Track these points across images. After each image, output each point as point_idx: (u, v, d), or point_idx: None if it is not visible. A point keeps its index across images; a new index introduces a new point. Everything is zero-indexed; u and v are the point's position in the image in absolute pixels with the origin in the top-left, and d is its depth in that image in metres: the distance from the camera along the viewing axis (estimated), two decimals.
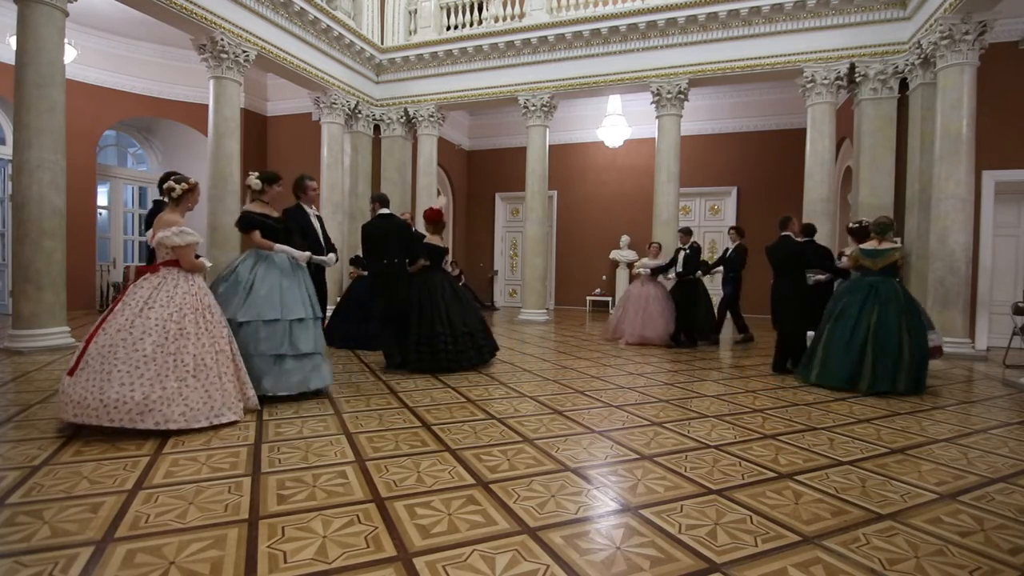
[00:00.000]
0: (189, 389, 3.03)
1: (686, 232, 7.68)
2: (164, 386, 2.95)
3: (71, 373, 2.98)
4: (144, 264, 3.51)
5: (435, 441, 2.98)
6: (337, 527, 1.94)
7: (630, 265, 12.32)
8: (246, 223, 3.91)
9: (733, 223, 12.31)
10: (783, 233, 5.76)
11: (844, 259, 5.78)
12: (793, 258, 5.60)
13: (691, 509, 2.16)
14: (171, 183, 3.35)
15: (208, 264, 3.47)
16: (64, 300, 5.89)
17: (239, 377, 3.40)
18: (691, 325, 7.32)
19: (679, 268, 7.38)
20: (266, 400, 3.68)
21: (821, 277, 6.09)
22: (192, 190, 3.39)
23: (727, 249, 8.12)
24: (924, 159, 7.39)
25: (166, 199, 3.41)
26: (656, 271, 7.62)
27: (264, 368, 3.69)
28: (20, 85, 5.57)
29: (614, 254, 12.77)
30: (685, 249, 7.44)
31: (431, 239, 5.39)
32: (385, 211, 5.25)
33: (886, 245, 4.99)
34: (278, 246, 3.94)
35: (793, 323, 5.49)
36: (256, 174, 4.05)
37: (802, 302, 5.57)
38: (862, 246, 5.13)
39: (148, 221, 4.30)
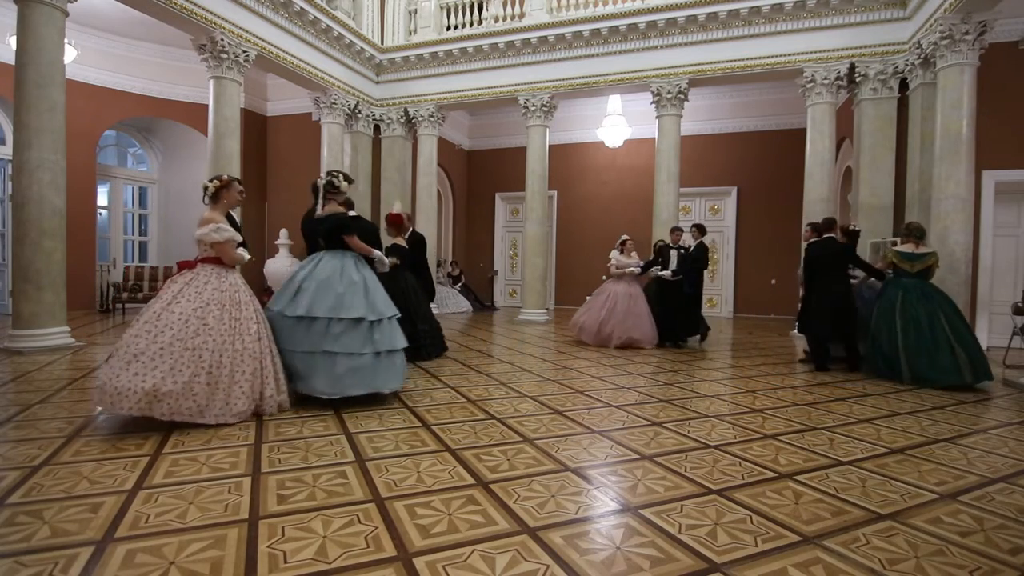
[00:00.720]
0: (200, 385, 3.04)
1: (681, 231, 7.61)
2: (175, 379, 2.97)
3: (108, 361, 3.05)
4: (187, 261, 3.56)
5: (435, 441, 2.98)
6: (337, 527, 1.94)
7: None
8: (351, 228, 3.89)
9: (733, 223, 12.36)
10: (827, 235, 5.79)
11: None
12: (840, 259, 5.67)
13: (691, 509, 2.16)
14: (204, 182, 3.47)
15: (247, 256, 3.52)
16: (64, 300, 5.89)
17: (269, 375, 3.38)
18: (679, 326, 7.32)
19: (673, 266, 7.33)
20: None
21: (855, 278, 6.05)
22: (226, 186, 3.45)
23: (686, 247, 7.48)
24: (924, 159, 7.39)
25: (205, 199, 3.48)
26: (645, 268, 7.43)
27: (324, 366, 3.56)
28: (20, 85, 5.57)
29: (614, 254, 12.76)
30: (679, 248, 7.37)
31: (395, 241, 5.84)
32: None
33: (923, 249, 5.41)
34: (375, 251, 4.09)
35: (847, 321, 5.59)
36: (340, 174, 3.96)
37: (850, 302, 5.67)
38: (899, 249, 5.45)
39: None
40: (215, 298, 3.24)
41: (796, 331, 7.23)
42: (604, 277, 7.39)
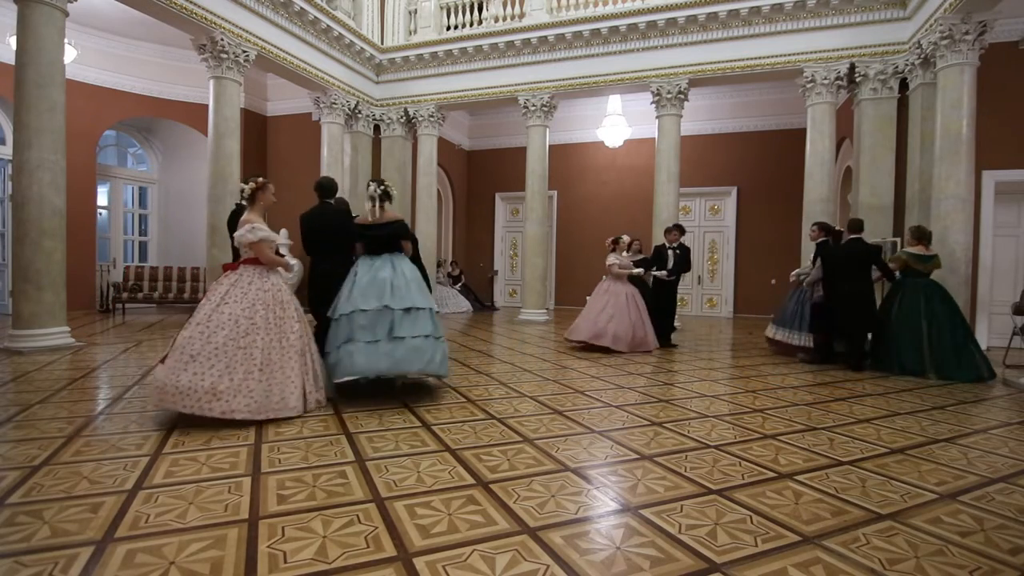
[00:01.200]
0: (254, 382, 3.19)
1: (680, 230, 7.56)
2: (231, 377, 3.14)
3: (163, 362, 3.21)
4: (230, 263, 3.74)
5: (435, 441, 2.98)
6: (337, 527, 1.94)
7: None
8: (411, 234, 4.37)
9: (733, 223, 12.36)
10: (853, 236, 5.95)
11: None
12: (866, 259, 5.85)
13: (691, 509, 2.16)
14: (241, 184, 3.61)
15: (294, 262, 3.67)
16: (64, 300, 5.89)
17: (309, 373, 3.54)
18: (670, 327, 7.31)
19: (669, 266, 7.31)
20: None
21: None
22: (261, 188, 3.58)
23: (677, 248, 7.36)
24: (924, 159, 7.39)
25: (243, 201, 3.61)
26: (647, 270, 7.32)
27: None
28: (20, 85, 5.57)
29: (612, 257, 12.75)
30: (675, 248, 7.33)
31: None
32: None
33: (931, 251, 5.87)
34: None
35: (870, 320, 5.81)
36: (387, 183, 4.30)
37: (872, 301, 5.88)
38: (913, 251, 5.83)
39: (230, 224, 4.35)
40: (260, 298, 3.38)
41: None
42: (605, 277, 7.08)
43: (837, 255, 5.97)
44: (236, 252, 3.78)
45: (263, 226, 3.47)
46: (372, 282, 3.94)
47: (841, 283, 5.86)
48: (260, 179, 3.57)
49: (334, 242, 4.33)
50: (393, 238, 4.21)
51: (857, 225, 6.04)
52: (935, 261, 5.83)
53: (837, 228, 6.86)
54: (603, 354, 6.40)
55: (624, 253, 7.22)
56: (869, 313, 5.84)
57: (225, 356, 3.16)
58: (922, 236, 5.88)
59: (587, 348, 6.71)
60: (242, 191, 3.60)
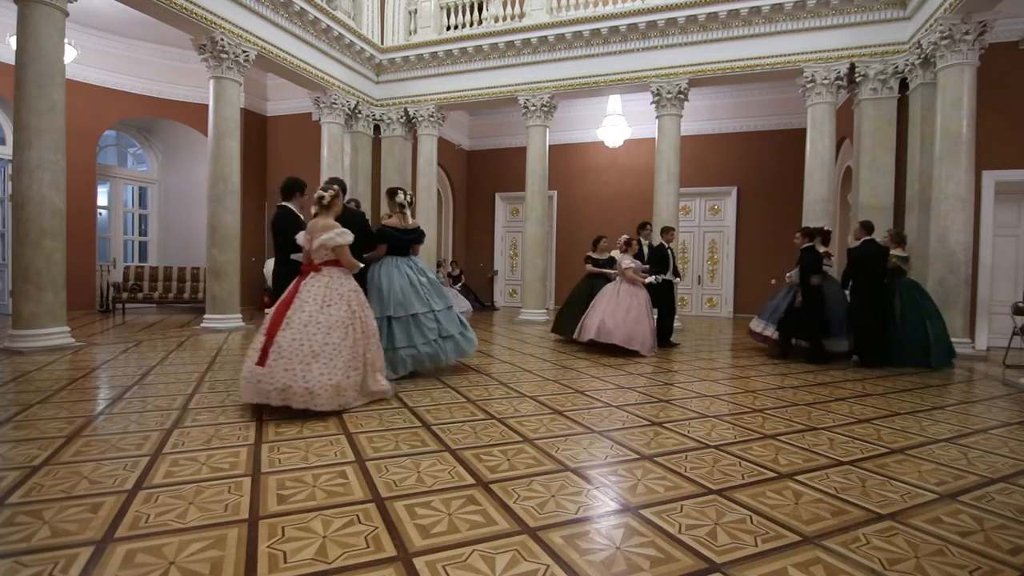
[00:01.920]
0: (357, 375, 3.58)
1: (673, 230, 7.55)
2: (348, 375, 3.48)
3: (262, 363, 3.34)
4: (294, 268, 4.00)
5: (435, 441, 2.98)
6: (337, 527, 1.94)
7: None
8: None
9: (733, 223, 12.35)
10: (868, 237, 6.16)
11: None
12: (883, 259, 6.19)
13: (691, 509, 2.16)
14: (320, 192, 3.75)
15: (360, 264, 3.89)
16: (64, 300, 5.89)
17: (375, 365, 3.84)
18: (671, 327, 7.33)
19: (672, 266, 7.30)
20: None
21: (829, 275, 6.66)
22: (337, 196, 3.84)
23: (667, 247, 7.38)
24: (924, 159, 7.39)
25: (314, 207, 3.79)
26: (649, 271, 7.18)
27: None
28: (20, 85, 5.57)
29: (614, 254, 12.73)
30: (671, 248, 7.39)
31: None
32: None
33: (906, 252, 6.55)
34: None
35: (885, 320, 6.13)
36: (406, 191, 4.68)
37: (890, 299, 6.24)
38: (899, 254, 6.38)
39: (276, 226, 4.42)
40: (353, 299, 3.67)
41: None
42: (618, 279, 6.77)
43: (868, 254, 6.13)
44: (286, 251, 4.16)
45: (347, 230, 3.70)
46: (414, 285, 4.67)
47: (863, 282, 6.12)
48: (336, 187, 3.82)
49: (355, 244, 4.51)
50: (416, 243, 4.78)
51: (872, 227, 6.28)
52: (910, 263, 6.64)
53: (826, 228, 7.04)
54: (602, 354, 6.40)
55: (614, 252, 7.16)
56: (888, 311, 6.17)
57: (341, 356, 3.45)
58: (902, 240, 6.54)
59: (587, 347, 6.71)
60: (321, 198, 3.72)
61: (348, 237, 3.65)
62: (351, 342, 3.53)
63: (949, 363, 6.06)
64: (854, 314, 6.18)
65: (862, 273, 6.12)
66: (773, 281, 7.10)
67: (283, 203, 4.55)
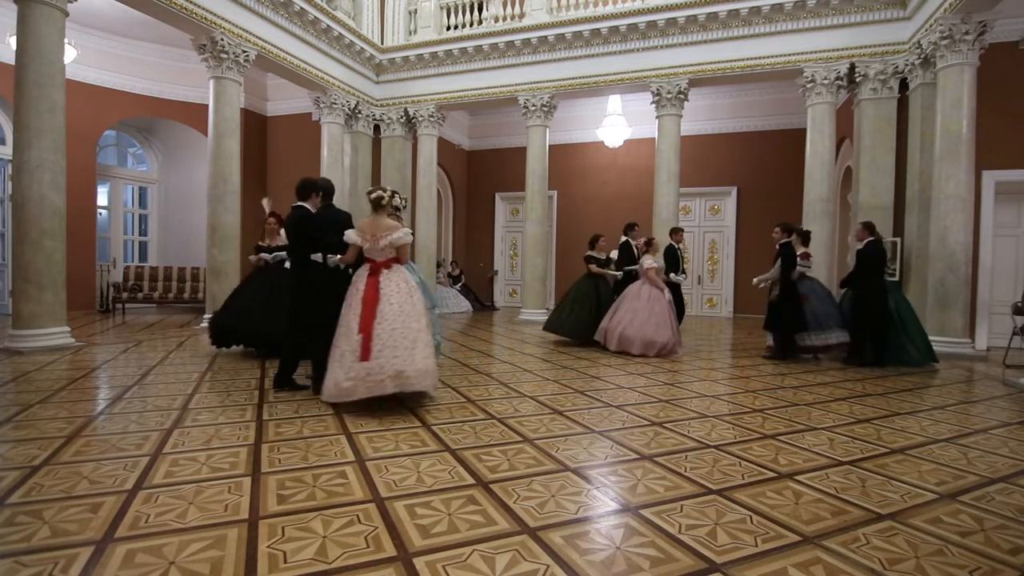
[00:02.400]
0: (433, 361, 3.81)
1: (682, 231, 7.49)
2: (432, 357, 3.71)
3: (367, 358, 3.53)
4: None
5: (435, 441, 2.98)
6: (337, 527, 1.94)
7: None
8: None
9: (733, 223, 12.35)
10: (872, 237, 6.17)
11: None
12: (885, 261, 6.35)
13: (691, 509, 2.16)
14: (379, 193, 3.97)
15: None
16: (64, 300, 5.89)
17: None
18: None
19: (683, 266, 7.29)
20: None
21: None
22: (392, 198, 4.07)
23: (676, 248, 7.30)
24: (924, 159, 7.39)
25: (382, 209, 3.99)
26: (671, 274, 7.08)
27: None
28: (20, 85, 5.57)
29: (614, 254, 12.72)
30: (680, 248, 7.35)
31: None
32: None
33: None
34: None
35: (887, 320, 6.17)
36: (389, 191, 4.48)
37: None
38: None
39: (300, 227, 4.33)
40: (416, 291, 3.92)
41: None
42: (641, 281, 6.58)
43: (877, 254, 6.16)
44: (308, 251, 4.11)
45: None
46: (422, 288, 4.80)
47: (868, 282, 6.13)
48: (388, 189, 4.04)
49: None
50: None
51: (874, 227, 6.33)
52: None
53: (805, 229, 7.06)
54: (602, 354, 6.40)
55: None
56: (888, 311, 6.22)
57: (427, 339, 3.71)
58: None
59: (583, 346, 6.71)
60: (380, 198, 3.94)
61: (411, 237, 3.97)
62: (427, 329, 3.80)
63: (935, 359, 6.16)
64: (863, 314, 6.08)
65: (870, 273, 6.09)
66: (755, 280, 6.85)
67: (301, 203, 4.49)
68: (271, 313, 5.13)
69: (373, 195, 3.98)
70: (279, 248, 5.78)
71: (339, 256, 4.09)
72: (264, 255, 5.89)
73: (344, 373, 3.54)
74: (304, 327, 4.14)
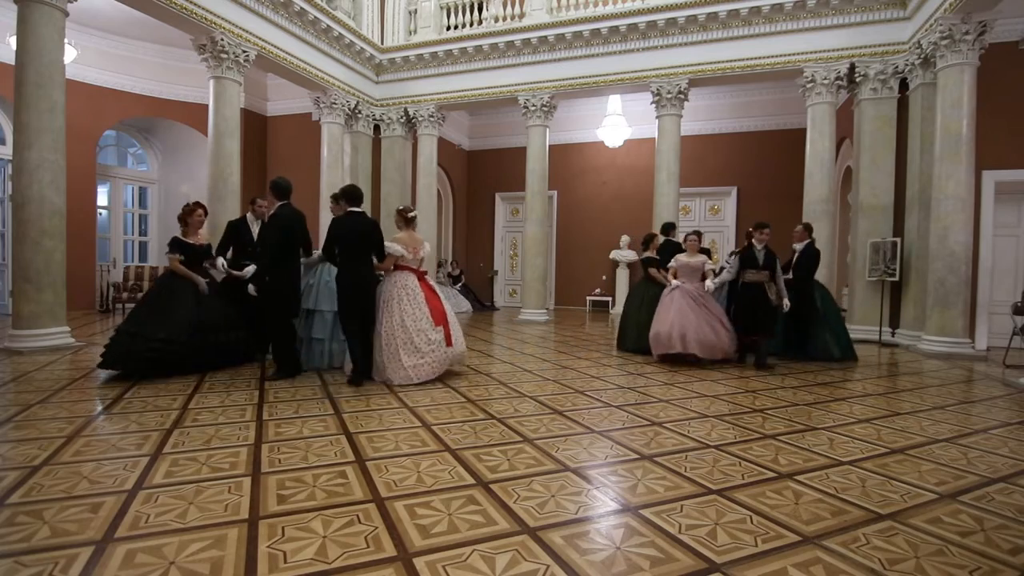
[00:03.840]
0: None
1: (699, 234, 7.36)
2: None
3: (451, 343, 4.65)
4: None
5: (435, 441, 2.98)
6: (337, 527, 1.94)
7: (631, 265, 12.32)
8: None
9: (733, 223, 12.35)
10: (810, 239, 6.41)
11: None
12: (817, 262, 6.50)
13: (691, 509, 2.16)
14: (416, 212, 4.96)
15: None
16: (64, 300, 5.89)
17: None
18: None
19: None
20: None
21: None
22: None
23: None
24: (924, 159, 7.39)
25: (401, 223, 4.80)
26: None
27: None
28: (20, 85, 5.57)
29: (614, 254, 12.76)
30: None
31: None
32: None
33: None
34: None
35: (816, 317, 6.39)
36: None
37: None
38: None
39: (298, 226, 4.69)
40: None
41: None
42: (673, 283, 6.04)
43: (815, 255, 6.39)
44: (299, 254, 4.72)
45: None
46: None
47: (806, 283, 6.31)
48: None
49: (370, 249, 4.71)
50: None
51: (812, 228, 6.62)
52: None
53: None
54: (602, 354, 6.39)
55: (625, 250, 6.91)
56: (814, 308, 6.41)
57: (456, 329, 4.80)
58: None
59: (582, 345, 6.70)
60: (415, 217, 4.86)
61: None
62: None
63: (855, 358, 6.28)
64: (795, 311, 5.94)
65: (809, 274, 6.33)
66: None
67: (287, 202, 4.57)
68: (225, 320, 4.87)
69: (411, 214, 4.78)
70: (200, 247, 5.01)
71: (377, 263, 4.63)
72: (235, 272, 5.05)
73: (418, 359, 4.42)
74: (279, 324, 4.60)
